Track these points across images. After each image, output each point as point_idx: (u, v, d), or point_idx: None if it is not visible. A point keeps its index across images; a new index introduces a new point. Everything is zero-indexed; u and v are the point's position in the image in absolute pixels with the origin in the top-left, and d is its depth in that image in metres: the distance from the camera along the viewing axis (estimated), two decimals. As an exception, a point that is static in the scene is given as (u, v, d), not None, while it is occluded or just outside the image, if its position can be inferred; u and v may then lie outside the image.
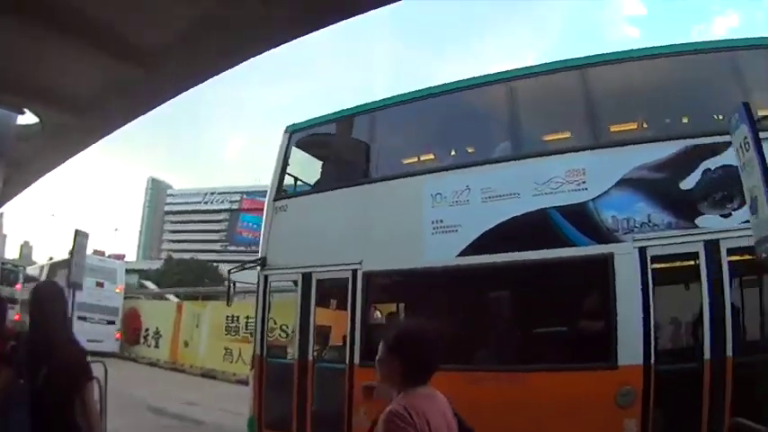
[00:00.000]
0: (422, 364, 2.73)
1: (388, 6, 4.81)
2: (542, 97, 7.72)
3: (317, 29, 5.55)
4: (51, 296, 3.69)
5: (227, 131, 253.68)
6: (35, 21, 5.76)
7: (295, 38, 5.65)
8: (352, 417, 7.38)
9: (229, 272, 9.72)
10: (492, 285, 7.14)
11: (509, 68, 7.67)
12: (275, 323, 9.46)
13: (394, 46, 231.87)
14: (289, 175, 9.36)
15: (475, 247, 7.01)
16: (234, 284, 9.88)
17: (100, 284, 28.82)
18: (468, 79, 7.96)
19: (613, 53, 7.14)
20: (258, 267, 8.91)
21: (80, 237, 11.86)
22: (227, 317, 21.45)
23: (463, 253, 7.06)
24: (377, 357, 2.78)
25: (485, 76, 7.90)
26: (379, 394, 7.04)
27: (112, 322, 28.49)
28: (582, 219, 6.56)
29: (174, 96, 7.03)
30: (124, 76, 6.57)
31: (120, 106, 7.51)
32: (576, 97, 7.16)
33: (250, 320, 8.78)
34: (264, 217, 9.23)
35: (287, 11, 5.24)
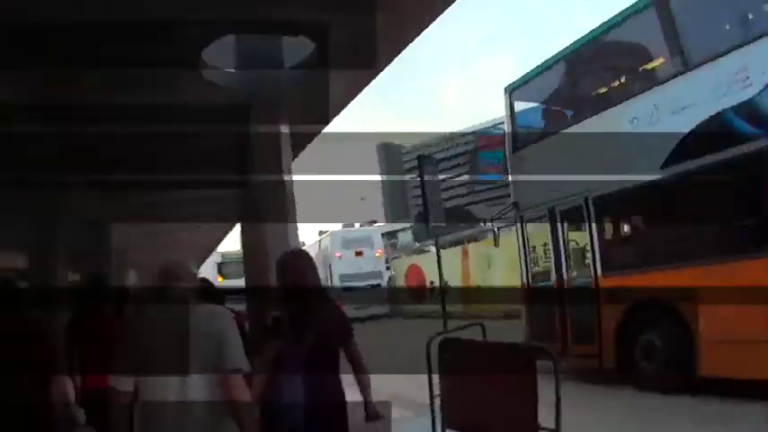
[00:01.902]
0: None
1: None
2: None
3: None
4: (297, 263, 3.65)
5: (436, 80, 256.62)
6: None
7: None
8: (600, 324, 8.56)
9: (492, 219, 11.86)
10: (697, 189, 7.58)
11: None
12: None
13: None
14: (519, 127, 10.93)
15: (672, 158, 7.65)
16: (498, 229, 12.16)
17: (359, 253, 30.47)
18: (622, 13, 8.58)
19: None
20: (513, 211, 10.63)
21: (428, 165, 9.68)
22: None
23: (665, 165, 7.71)
24: None
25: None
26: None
27: (377, 285, 29.94)
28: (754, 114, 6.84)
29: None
30: None
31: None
32: None
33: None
34: (509, 168, 10.94)
35: None
